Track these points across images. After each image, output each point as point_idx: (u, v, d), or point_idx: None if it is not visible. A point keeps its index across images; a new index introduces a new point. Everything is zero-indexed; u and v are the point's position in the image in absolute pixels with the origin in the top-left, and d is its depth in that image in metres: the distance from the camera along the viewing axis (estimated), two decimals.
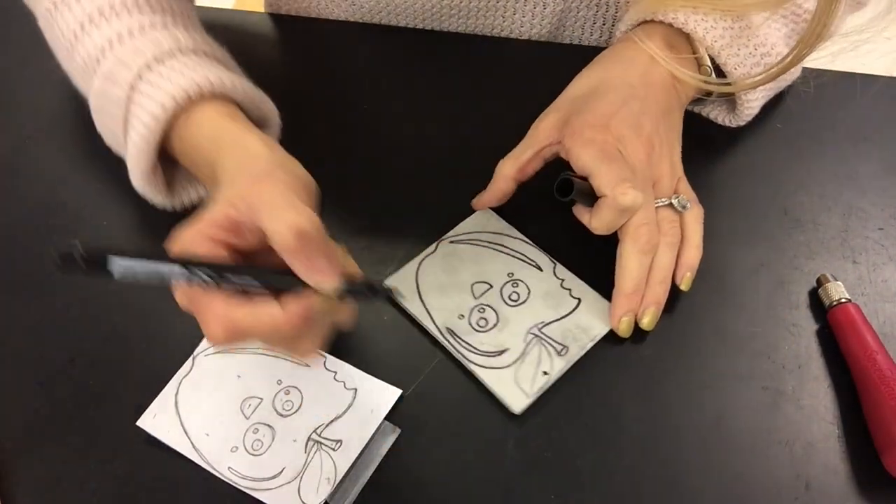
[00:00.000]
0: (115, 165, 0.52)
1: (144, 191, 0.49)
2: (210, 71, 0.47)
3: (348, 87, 0.62)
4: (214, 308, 0.36)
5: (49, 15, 0.50)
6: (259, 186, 0.38)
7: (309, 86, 0.61)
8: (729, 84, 0.53)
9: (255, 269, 0.38)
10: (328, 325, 0.40)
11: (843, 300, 0.48)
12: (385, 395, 0.45)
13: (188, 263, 0.36)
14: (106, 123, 0.50)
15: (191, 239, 0.37)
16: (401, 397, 0.45)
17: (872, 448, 0.43)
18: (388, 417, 0.45)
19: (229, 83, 0.47)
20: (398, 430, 0.44)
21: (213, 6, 0.56)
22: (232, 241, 0.38)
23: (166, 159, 0.49)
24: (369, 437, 0.44)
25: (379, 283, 0.42)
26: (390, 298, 0.49)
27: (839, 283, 0.49)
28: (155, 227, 0.43)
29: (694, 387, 0.46)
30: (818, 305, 0.49)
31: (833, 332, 0.48)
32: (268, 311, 0.36)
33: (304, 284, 0.37)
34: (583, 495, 0.42)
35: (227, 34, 0.53)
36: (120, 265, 0.34)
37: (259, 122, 0.50)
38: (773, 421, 0.45)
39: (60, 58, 0.53)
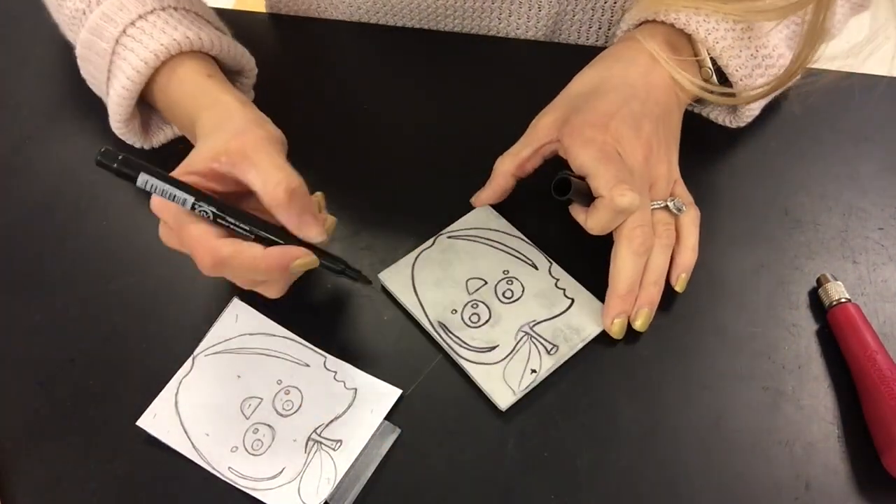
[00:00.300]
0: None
1: (122, 134, 0.53)
2: (190, 29, 0.50)
3: (348, 87, 0.62)
4: (205, 242, 0.41)
5: None
6: (239, 141, 0.43)
7: (309, 86, 0.61)
8: (732, 95, 0.53)
9: (253, 217, 0.43)
10: (295, 276, 0.44)
11: (843, 300, 0.48)
12: (385, 395, 0.45)
13: (200, 198, 0.41)
14: (90, 71, 0.53)
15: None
16: (401, 397, 0.45)
17: (872, 448, 0.43)
18: (388, 417, 0.45)
19: (207, 41, 0.50)
20: (398, 430, 0.44)
21: (213, 6, 0.56)
22: (214, 187, 0.43)
23: (142, 102, 0.53)
24: (369, 437, 0.44)
25: (356, 270, 0.46)
26: (386, 291, 0.49)
27: (839, 283, 0.49)
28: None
29: (693, 387, 0.46)
30: (818, 305, 0.49)
31: (833, 332, 0.48)
32: (250, 251, 0.41)
33: (289, 240, 0.43)
34: (582, 495, 0.42)
35: None
36: (144, 178, 0.40)
37: (237, 72, 0.55)
38: (773, 421, 0.45)
39: (50, 8, 0.55)
